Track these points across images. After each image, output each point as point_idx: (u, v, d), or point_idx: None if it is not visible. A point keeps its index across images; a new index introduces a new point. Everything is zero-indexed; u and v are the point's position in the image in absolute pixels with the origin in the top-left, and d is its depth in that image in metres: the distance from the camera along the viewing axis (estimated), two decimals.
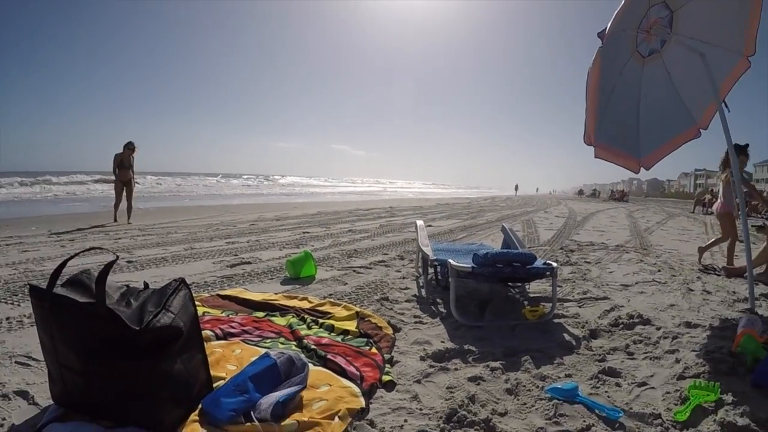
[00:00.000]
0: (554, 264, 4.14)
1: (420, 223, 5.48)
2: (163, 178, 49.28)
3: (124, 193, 11.66)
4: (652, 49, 5.26)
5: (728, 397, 2.62)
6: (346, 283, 5.09)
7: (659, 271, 6.55)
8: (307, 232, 9.32)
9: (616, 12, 4.16)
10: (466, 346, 3.33)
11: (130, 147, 11.67)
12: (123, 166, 11.61)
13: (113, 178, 11.84)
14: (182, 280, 2.33)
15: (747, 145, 7.05)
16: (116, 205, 11.80)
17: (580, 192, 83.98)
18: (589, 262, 6.83)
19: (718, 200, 7.40)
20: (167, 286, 2.29)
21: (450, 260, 4.04)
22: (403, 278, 5.39)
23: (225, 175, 78.59)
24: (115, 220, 11.51)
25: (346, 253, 6.78)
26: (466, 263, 4.03)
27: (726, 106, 5.30)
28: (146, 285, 2.44)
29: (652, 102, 5.57)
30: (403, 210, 16.89)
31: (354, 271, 5.66)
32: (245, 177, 78.96)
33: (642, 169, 5.73)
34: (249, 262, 6.16)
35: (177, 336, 2.15)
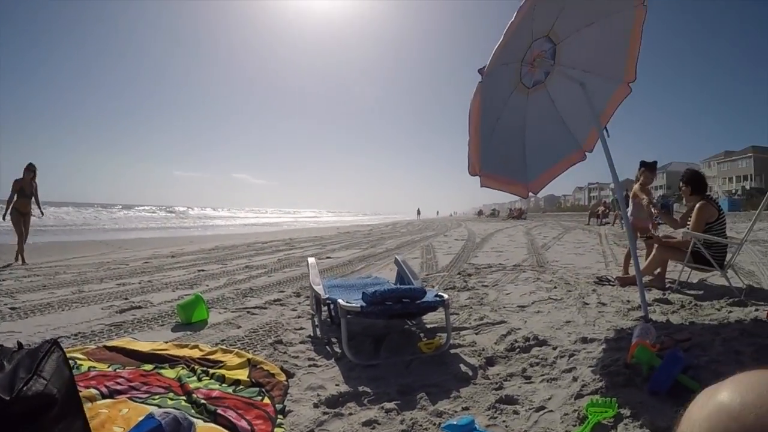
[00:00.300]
0: (445, 296, 4.14)
1: (311, 260, 5.37)
2: (58, 209, 46.91)
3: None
4: (536, 81, 5.45)
5: (626, 411, 2.70)
6: (240, 327, 4.90)
7: (555, 287, 6.73)
8: (203, 270, 8.95)
9: (495, 48, 4.25)
10: (360, 388, 3.26)
11: (31, 169, 10.51)
12: (24, 194, 10.42)
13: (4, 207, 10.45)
14: (54, 342, 2.14)
15: (655, 162, 7.58)
16: (20, 241, 10.46)
17: (480, 213, 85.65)
18: (486, 286, 6.93)
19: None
20: (39, 348, 2.10)
21: (339, 300, 3.95)
22: (299, 317, 5.26)
23: (126, 206, 75.80)
24: (23, 261, 10.30)
25: (241, 293, 6.58)
26: (356, 301, 3.98)
27: (606, 130, 5.60)
28: (20, 345, 2.23)
29: (538, 130, 5.78)
30: (303, 242, 16.65)
31: (248, 312, 5.47)
32: (147, 208, 76.19)
33: (530, 193, 5.88)
34: (139, 307, 5.82)
35: (51, 404, 1.97)
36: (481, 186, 5.21)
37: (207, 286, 7.19)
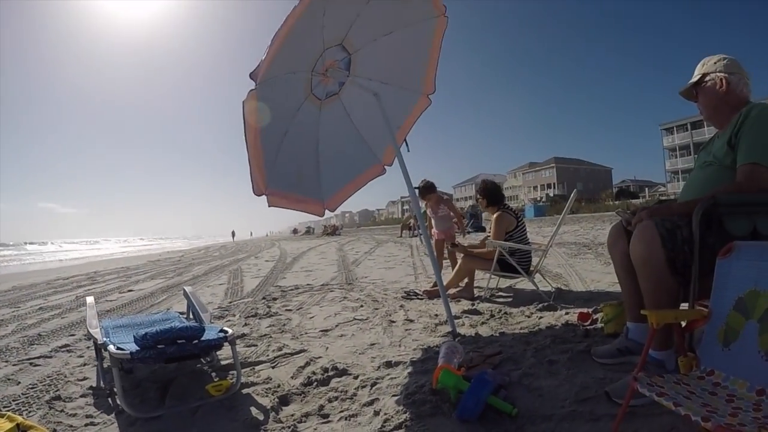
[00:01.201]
0: (229, 331, 3.65)
1: (90, 300, 4.57)
2: None
3: None
4: (330, 91, 5.24)
5: None
6: (20, 382, 4.08)
7: (362, 306, 6.46)
8: None
9: (267, 53, 3.82)
10: None
11: None
12: None
13: None
14: None
15: (425, 186, 8.36)
16: None
17: (295, 231, 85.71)
18: (290, 310, 6.52)
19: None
20: None
21: (110, 347, 3.33)
22: (84, 365, 4.52)
23: None
24: None
25: (27, 340, 5.60)
26: (128, 345, 3.36)
27: (407, 144, 5.61)
28: None
29: (332, 144, 5.57)
30: (108, 274, 15.21)
31: (31, 364, 4.62)
32: None
33: (327, 210, 5.59)
34: None
35: None
36: (270, 206, 4.88)
37: None
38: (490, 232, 6.48)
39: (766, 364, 2.01)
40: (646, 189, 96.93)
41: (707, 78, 3.24)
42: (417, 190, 7.50)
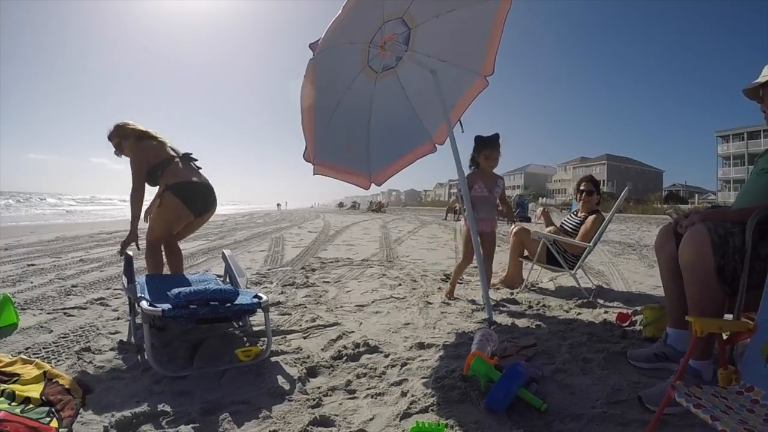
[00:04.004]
0: (264, 297, 3.65)
1: (129, 254, 4.58)
2: None
3: None
4: (386, 65, 5.15)
5: None
6: (52, 331, 4.15)
7: (400, 285, 6.42)
8: (33, 264, 7.74)
9: (330, 24, 3.78)
10: (160, 406, 2.73)
11: None
12: None
13: None
14: None
15: (496, 136, 5.51)
16: None
17: (341, 204, 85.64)
18: (328, 282, 6.52)
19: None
20: None
21: (143, 303, 3.35)
22: (117, 319, 4.57)
23: None
24: None
25: (64, 291, 5.71)
26: (161, 304, 3.37)
27: (461, 124, 5.45)
28: None
29: (385, 118, 5.47)
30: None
31: (65, 314, 4.69)
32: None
33: (373, 184, 5.55)
34: None
35: None
36: (315, 174, 4.84)
37: (32, 283, 6.19)
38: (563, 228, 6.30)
39: None
40: (696, 195, 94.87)
41: None
42: (476, 144, 5.52)
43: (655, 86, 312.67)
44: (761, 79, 3.14)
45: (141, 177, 4.70)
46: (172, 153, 4.87)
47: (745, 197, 3.16)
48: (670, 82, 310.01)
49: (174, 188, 4.64)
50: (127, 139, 4.83)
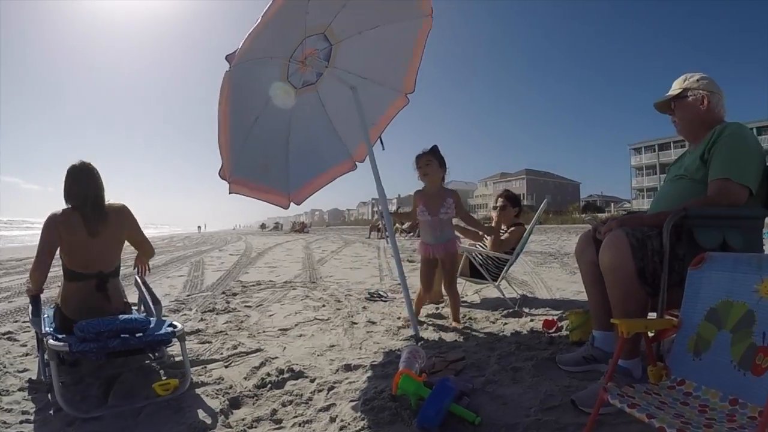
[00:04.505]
0: (178, 326, 3.47)
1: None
2: None
3: None
4: (306, 81, 5.09)
5: None
6: None
7: (324, 306, 6.29)
8: None
9: (251, 33, 3.72)
10: None
11: None
12: None
13: None
14: None
15: (431, 147, 5.17)
16: None
17: (263, 226, 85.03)
18: (249, 306, 6.31)
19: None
20: None
21: (49, 338, 3.12)
22: (26, 355, 4.27)
23: None
24: None
25: None
26: (68, 337, 3.15)
27: (381, 142, 5.50)
28: None
29: (304, 134, 5.42)
30: None
31: None
32: None
33: (292, 203, 5.48)
34: None
35: None
36: (230, 193, 4.69)
37: None
38: (486, 238, 6.22)
39: (738, 374, 2.01)
40: (612, 204, 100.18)
41: (689, 93, 3.31)
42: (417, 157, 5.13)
43: (568, 106, 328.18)
44: (675, 92, 3.36)
45: None
46: None
47: (660, 203, 3.33)
48: (582, 101, 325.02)
49: None
50: None
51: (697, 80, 3.30)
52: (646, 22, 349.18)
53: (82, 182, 3.75)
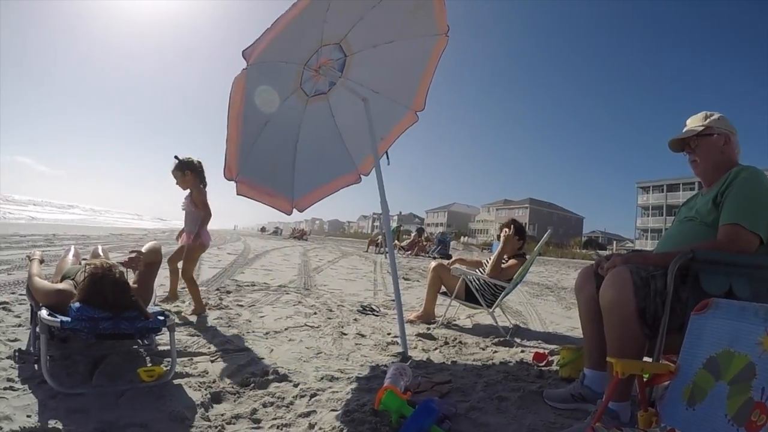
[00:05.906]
0: (169, 315, 3.50)
1: (37, 254, 4.29)
2: None
3: None
4: (319, 89, 5.11)
5: None
6: None
7: (315, 313, 6.28)
8: None
9: (269, 33, 3.72)
10: (52, 423, 2.55)
11: None
12: None
13: None
14: None
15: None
16: None
17: (263, 229, 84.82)
18: (241, 305, 6.34)
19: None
20: None
21: (42, 311, 3.14)
22: (19, 326, 4.30)
23: None
24: None
25: None
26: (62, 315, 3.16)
27: (387, 156, 5.46)
28: None
29: (312, 143, 5.42)
30: (67, 239, 14.78)
31: None
32: None
33: (295, 210, 5.47)
34: None
35: None
36: (237, 194, 4.72)
37: None
38: (486, 264, 6.23)
39: (731, 429, 1.93)
40: (614, 242, 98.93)
41: (713, 131, 3.20)
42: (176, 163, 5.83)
43: (576, 140, 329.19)
44: (697, 129, 3.24)
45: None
46: None
47: (667, 243, 3.23)
48: (590, 138, 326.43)
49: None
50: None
51: (718, 119, 3.23)
52: (663, 70, 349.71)
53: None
